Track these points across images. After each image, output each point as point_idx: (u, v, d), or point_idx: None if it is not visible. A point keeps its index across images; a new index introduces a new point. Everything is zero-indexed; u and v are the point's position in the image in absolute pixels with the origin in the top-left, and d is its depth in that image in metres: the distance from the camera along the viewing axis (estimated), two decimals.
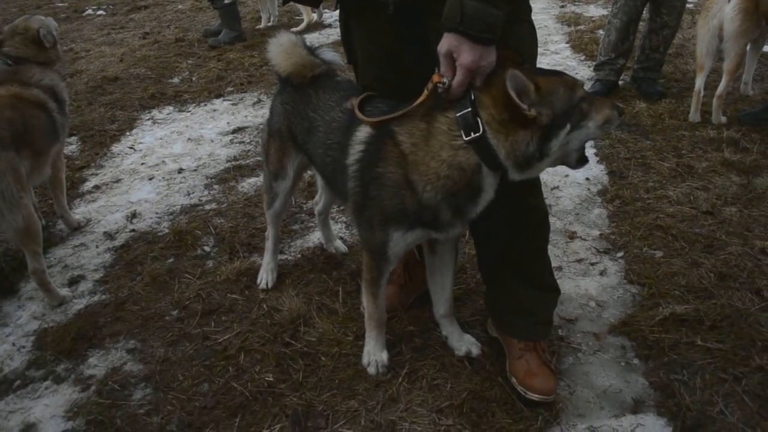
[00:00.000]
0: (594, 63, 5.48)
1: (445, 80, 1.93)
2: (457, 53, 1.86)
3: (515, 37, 2.04)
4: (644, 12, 5.07)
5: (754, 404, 2.26)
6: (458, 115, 1.96)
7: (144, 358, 2.69)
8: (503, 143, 1.92)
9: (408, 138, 2.06)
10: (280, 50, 2.60)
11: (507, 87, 1.82)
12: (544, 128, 1.89)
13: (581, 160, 2.08)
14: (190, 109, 5.57)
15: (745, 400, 2.28)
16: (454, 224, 2.15)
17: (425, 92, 1.98)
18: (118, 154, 4.75)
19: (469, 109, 1.93)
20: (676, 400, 2.30)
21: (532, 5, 2.21)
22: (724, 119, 4.45)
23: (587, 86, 5.23)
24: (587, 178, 3.89)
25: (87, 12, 9.73)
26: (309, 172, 3.71)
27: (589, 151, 4.16)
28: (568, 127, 1.93)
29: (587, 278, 3.02)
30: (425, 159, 2.03)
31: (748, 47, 4.49)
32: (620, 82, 5.34)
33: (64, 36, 8.27)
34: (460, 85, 1.91)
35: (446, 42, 1.87)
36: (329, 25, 7.85)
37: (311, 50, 2.63)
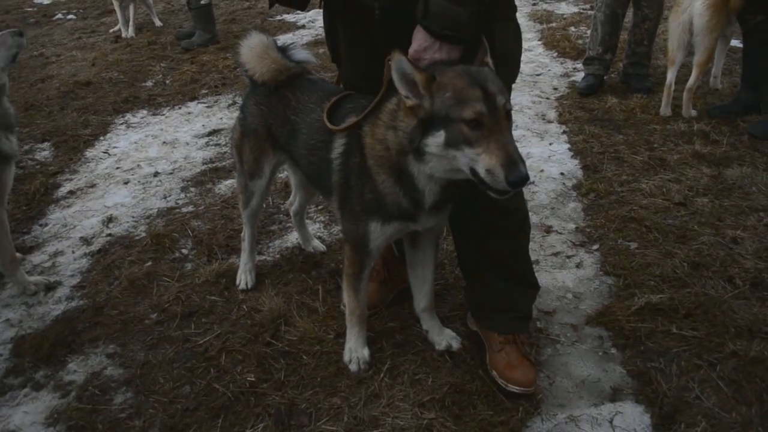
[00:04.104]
0: (567, 59, 5.55)
1: None
2: (412, 40, 1.93)
3: (500, 34, 2.08)
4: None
5: (729, 389, 2.31)
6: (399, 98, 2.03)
7: (124, 363, 2.67)
8: (400, 124, 1.99)
9: (367, 126, 2.14)
10: (253, 54, 2.60)
11: (391, 69, 1.87)
12: (421, 121, 1.90)
13: (492, 188, 1.84)
14: (164, 113, 5.53)
15: (720, 386, 2.33)
16: (422, 215, 2.18)
17: (384, 81, 2.05)
18: (93, 159, 4.70)
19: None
20: (653, 387, 2.35)
21: None
22: (694, 113, 4.53)
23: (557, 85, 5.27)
24: (562, 173, 3.94)
25: (57, 16, 9.60)
26: (283, 172, 3.72)
27: (563, 146, 4.24)
28: (443, 135, 1.85)
29: (564, 271, 3.06)
30: (373, 144, 2.12)
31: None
32: (608, 77, 5.42)
33: (34, 41, 8.16)
34: None
35: (414, 32, 1.94)
36: (302, 26, 7.84)
37: (284, 51, 2.64)
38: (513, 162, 1.78)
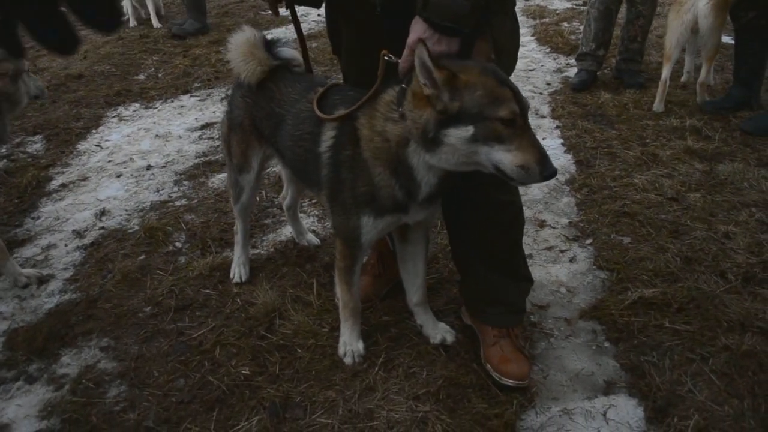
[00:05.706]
0: (560, 55, 5.56)
1: (391, 56, 2.00)
2: (410, 31, 1.92)
3: (496, 28, 2.07)
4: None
5: (721, 382, 2.33)
6: (397, 90, 2.02)
7: (118, 356, 2.67)
8: (410, 114, 1.97)
9: (363, 117, 2.13)
10: (239, 52, 2.59)
11: (414, 58, 1.86)
12: (443, 115, 1.90)
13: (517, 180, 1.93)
14: (156, 106, 5.51)
15: (712, 379, 2.35)
16: (413, 207, 2.19)
17: (379, 74, 2.05)
18: (85, 152, 4.67)
19: (403, 85, 1.99)
20: (646, 380, 2.36)
21: None
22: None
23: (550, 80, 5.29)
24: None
25: None
26: (277, 166, 3.71)
27: (556, 141, 4.25)
28: (471, 130, 1.86)
29: (557, 265, 3.08)
30: (371, 135, 2.11)
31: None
32: (601, 73, 5.44)
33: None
34: (403, 60, 1.97)
35: (412, 22, 1.93)
36: None
37: (270, 49, 2.63)
38: (546, 158, 1.88)
